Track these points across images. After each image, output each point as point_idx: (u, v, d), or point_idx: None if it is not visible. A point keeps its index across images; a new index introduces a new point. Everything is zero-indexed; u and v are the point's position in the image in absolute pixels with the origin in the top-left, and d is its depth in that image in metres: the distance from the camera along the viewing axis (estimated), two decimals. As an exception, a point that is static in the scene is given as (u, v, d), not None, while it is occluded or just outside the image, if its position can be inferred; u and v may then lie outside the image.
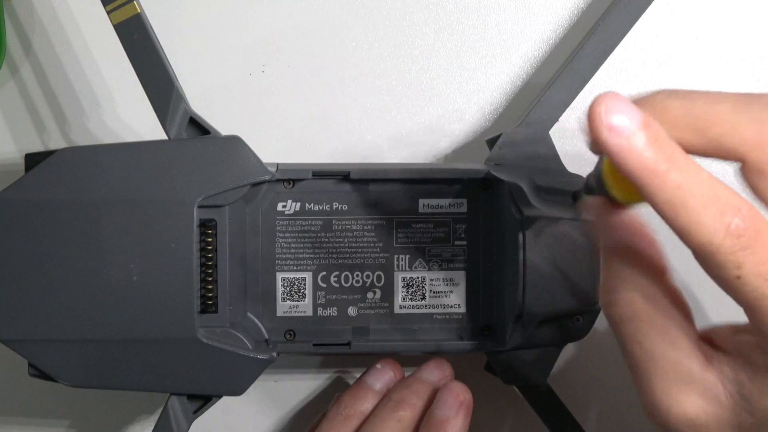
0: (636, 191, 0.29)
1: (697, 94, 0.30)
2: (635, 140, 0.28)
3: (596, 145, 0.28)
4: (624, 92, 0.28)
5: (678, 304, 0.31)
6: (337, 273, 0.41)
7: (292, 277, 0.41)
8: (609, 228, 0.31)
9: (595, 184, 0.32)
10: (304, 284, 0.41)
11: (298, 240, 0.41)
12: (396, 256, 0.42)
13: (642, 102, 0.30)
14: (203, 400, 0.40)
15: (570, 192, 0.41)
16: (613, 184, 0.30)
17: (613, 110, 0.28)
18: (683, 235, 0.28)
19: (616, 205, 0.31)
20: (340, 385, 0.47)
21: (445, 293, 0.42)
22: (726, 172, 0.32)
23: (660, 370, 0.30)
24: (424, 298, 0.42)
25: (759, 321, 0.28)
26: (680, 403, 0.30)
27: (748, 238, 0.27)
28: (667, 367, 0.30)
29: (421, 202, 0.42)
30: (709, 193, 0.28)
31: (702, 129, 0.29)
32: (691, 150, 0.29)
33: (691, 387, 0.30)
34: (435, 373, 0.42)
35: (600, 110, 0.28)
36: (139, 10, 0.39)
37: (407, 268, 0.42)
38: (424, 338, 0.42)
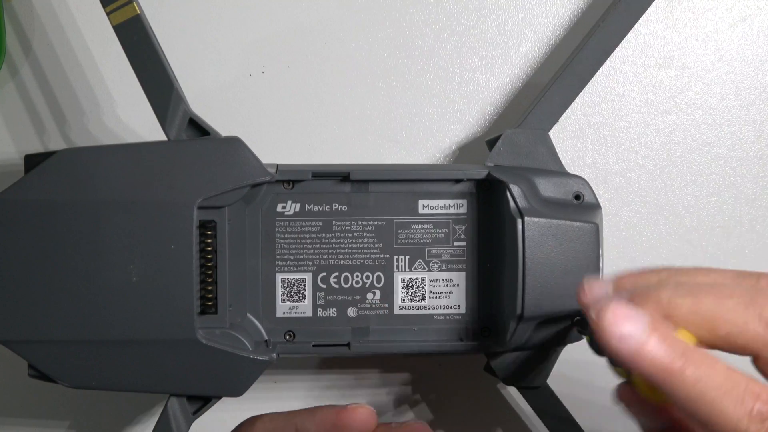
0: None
1: (702, 290, 0.30)
2: (646, 344, 0.28)
3: (608, 353, 0.29)
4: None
5: None
6: (336, 274, 0.41)
7: (291, 278, 0.41)
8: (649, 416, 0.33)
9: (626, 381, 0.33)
10: (304, 285, 0.41)
11: (298, 241, 0.41)
12: (396, 257, 0.42)
13: (647, 299, 0.30)
14: (203, 401, 0.40)
15: (570, 192, 0.41)
16: (648, 393, 0.31)
17: (620, 319, 0.29)
18: (709, 424, 0.29)
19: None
20: (339, 385, 0.47)
21: (444, 294, 0.42)
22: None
23: None
24: (423, 298, 0.42)
25: None
26: None
27: None
28: None
29: (421, 202, 0.42)
30: (727, 383, 0.28)
31: (711, 328, 0.30)
32: (702, 345, 0.30)
33: None
34: None
35: (607, 321, 0.29)
36: (138, 12, 0.39)
37: (407, 269, 0.42)
38: (423, 339, 0.42)
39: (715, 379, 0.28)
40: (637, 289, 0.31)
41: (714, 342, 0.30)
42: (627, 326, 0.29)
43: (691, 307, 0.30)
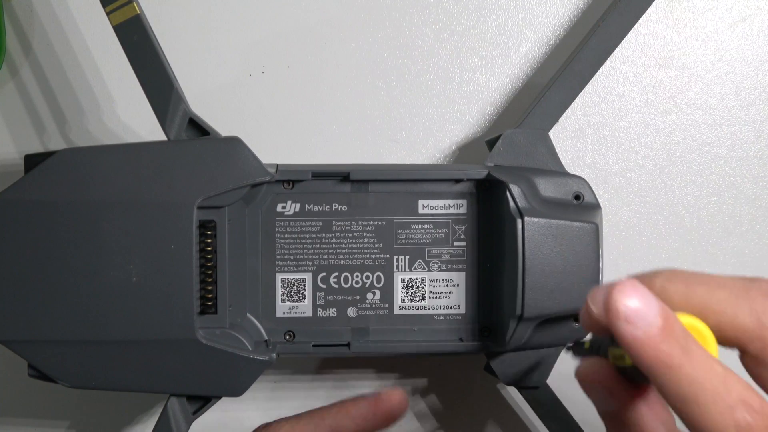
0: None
1: (696, 279, 0.30)
2: (652, 333, 0.28)
3: (613, 334, 0.28)
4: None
5: None
6: (336, 274, 0.41)
7: (291, 278, 0.41)
8: (619, 401, 0.32)
9: (601, 352, 0.31)
10: (304, 285, 0.41)
11: (298, 241, 0.41)
12: (396, 257, 0.42)
13: (642, 283, 0.30)
14: (203, 401, 0.40)
15: (570, 192, 0.41)
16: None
17: (631, 300, 0.28)
18: (693, 426, 0.28)
19: (621, 372, 0.31)
20: (339, 385, 0.47)
21: (444, 294, 0.42)
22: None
23: None
24: (423, 299, 0.42)
25: None
26: None
27: None
28: None
29: (421, 202, 0.42)
30: (721, 387, 0.28)
31: (701, 317, 0.29)
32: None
33: None
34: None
35: (618, 299, 0.28)
36: (138, 11, 0.39)
37: (407, 269, 0.42)
38: (423, 339, 0.42)
39: (710, 382, 0.28)
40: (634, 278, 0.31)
41: None
42: (637, 309, 0.28)
43: (683, 294, 0.29)
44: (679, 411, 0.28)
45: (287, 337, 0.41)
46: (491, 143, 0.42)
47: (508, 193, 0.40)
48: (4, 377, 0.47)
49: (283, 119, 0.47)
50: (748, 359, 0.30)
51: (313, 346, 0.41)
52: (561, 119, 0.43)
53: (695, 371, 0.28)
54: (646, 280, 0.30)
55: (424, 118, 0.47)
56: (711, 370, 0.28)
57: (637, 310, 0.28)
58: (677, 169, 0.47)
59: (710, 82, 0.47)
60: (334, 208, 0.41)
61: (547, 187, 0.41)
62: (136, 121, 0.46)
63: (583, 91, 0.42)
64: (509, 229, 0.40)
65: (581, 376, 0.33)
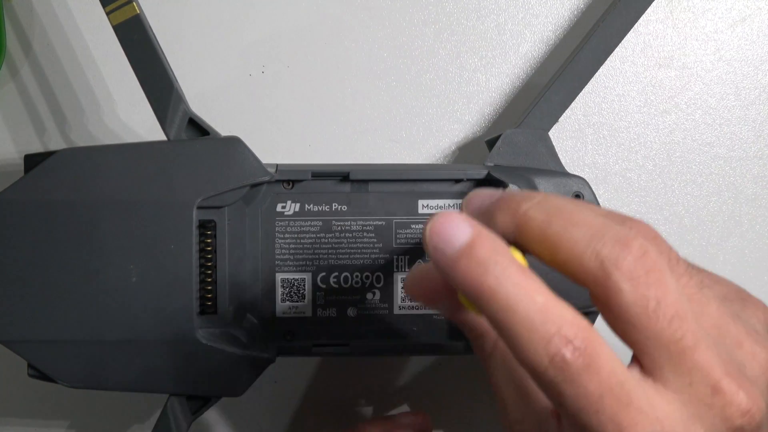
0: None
1: (559, 213, 0.29)
2: (460, 257, 0.27)
3: (432, 260, 0.28)
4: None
5: None
6: (336, 274, 0.41)
7: (291, 278, 0.41)
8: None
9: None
10: (304, 285, 0.41)
11: (298, 241, 0.41)
12: (395, 257, 0.42)
13: (507, 206, 0.29)
14: (202, 401, 0.40)
15: (570, 192, 0.41)
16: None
17: (439, 229, 0.28)
18: (512, 351, 0.27)
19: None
20: (339, 385, 0.47)
21: (444, 294, 0.42)
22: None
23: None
24: (423, 298, 0.42)
25: None
26: None
27: (574, 372, 0.26)
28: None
29: (421, 202, 0.42)
30: (539, 317, 0.26)
31: (553, 251, 0.28)
32: (547, 264, 0.29)
33: None
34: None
35: (426, 229, 0.28)
36: (138, 11, 0.39)
37: (407, 269, 0.42)
38: (423, 339, 0.42)
39: (527, 311, 0.26)
40: (506, 196, 0.30)
41: (556, 265, 0.28)
42: (444, 236, 0.27)
43: (541, 224, 0.28)
44: (498, 332, 0.27)
45: (287, 337, 0.41)
46: (491, 143, 0.42)
47: (508, 193, 0.40)
48: (4, 377, 0.47)
49: (283, 119, 0.47)
50: (593, 298, 0.28)
51: (313, 346, 0.41)
52: (561, 119, 0.43)
53: (511, 297, 0.26)
54: (515, 203, 0.29)
55: (424, 118, 0.47)
56: (531, 297, 0.26)
57: (443, 237, 0.27)
58: (677, 169, 0.47)
59: (710, 82, 0.47)
60: (333, 208, 0.41)
61: (547, 187, 0.41)
62: (135, 120, 0.46)
63: (583, 91, 0.42)
64: (509, 229, 0.40)
65: (407, 289, 0.33)
